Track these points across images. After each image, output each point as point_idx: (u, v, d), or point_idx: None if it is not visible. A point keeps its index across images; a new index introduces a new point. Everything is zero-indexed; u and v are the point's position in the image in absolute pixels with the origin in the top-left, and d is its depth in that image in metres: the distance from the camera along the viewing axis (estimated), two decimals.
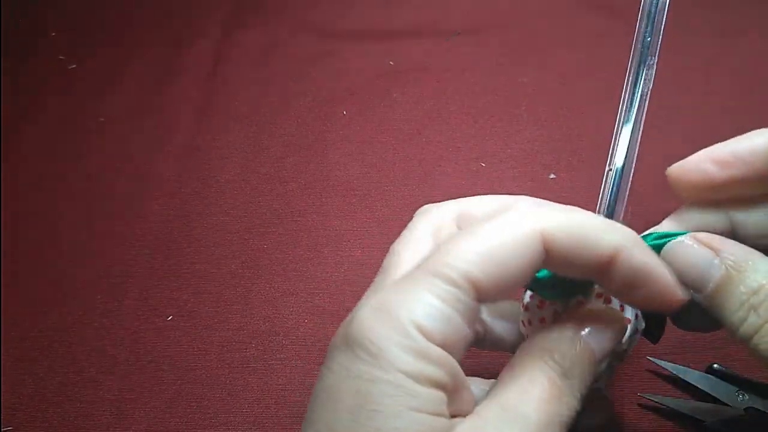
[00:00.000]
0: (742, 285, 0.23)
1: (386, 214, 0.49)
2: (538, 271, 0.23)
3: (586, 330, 0.24)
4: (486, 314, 0.29)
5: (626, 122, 0.27)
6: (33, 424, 0.40)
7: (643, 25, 0.27)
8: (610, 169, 0.27)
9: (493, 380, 0.25)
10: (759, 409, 0.35)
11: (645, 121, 0.27)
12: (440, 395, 0.21)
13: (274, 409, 0.40)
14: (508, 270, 0.22)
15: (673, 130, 0.50)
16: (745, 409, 0.35)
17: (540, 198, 0.29)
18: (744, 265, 0.23)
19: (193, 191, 0.52)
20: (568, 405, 0.22)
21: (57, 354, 0.43)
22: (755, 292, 0.22)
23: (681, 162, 0.26)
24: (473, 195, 0.29)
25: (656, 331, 0.28)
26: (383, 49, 0.61)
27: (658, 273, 0.23)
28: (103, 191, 0.53)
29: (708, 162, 0.26)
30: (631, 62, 0.27)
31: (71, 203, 0.52)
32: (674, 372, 0.37)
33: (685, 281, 0.24)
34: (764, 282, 0.22)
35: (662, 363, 0.37)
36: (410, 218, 0.29)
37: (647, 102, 0.27)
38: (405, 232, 0.28)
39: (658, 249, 0.25)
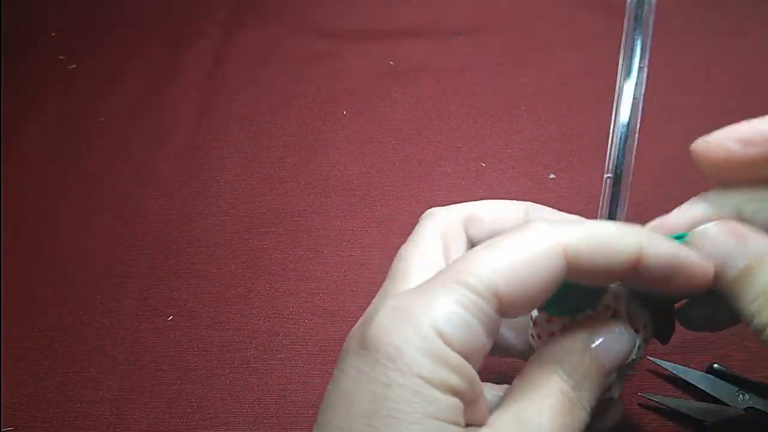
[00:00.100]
0: (762, 276, 0.22)
1: (386, 214, 0.49)
2: (558, 287, 0.23)
3: (596, 343, 0.24)
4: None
5: (623, 124, 0.27)
6: (33, 424, 0.40)
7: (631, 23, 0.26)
8: (609, 176, 0.27)
9: (504, 385, 0.25)
10: (759, 409, 0.35)
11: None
12: (458, 403, 0.21)
13: (274, 409, 0.40)
14: (532, 284, 0.22)
15: (673, 130, 0.50)
16: (745, 409, 0.35)
17: (540, 198, 0.29)
18: (767, 258, 0.23)
19: (193, 191, 0.52)
20: (579, 418, 0.23)
21: (57, 354, 0.43)
22: None
23: (705, 137, 0.26)
24: (473, 195, 0.29)
25: (666, 331, 0.28)
26: (383, 49, 0.61)
27: (686, 258, 0.23)
28: (103, 191, 0.53)
29: (731, 140, 0.25)
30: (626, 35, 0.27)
31: (71, 203, 0.52)
32: (674, 372, 0.37)
33: None
34: None
35: (662, 363, 0.37)
36: (410, 218, 0.29)
37: (643, 86, 0.27)
38: (412, 236, 0.28)
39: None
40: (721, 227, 0.24)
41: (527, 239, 0.22)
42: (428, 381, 0.20)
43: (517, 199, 0.29)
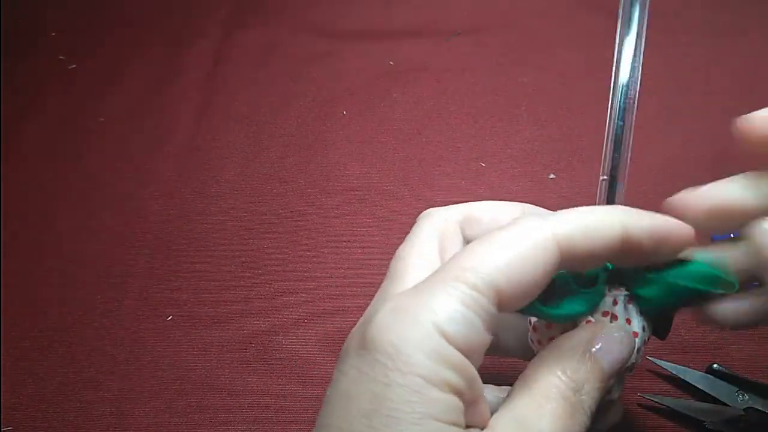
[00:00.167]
0: None
1: (386, 214, 0.49)
2: (552, 278, 0.23)
3: (596, 347, 0.24)
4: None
5: (618, 125, 0.27)
6: (33, 424, 0.40)
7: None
8: (604, 178, 0.27)
9: (505, 387, 0.25)
10: (759, 409, 0.35)
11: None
12: (458, 403, 0.21)
13: (274, 409, 0.40)
14: (528, 277, 0.22)
15: (673, 130, 0.50)
16: (745, 409, 0.35)
17: (540, 198, 0.29)
18: None
19: (193, 191, 0.52)
20: (579, 422, 0.23)
21: (57, 354, 0.43)
22: None
23: (748, 115, 0.25)
24: (473, 195, 0.29)
25: (664, 328, 0.28)
26: (383, 49, 0.61)
27: (668, 224, 0.24)
28: (103, 191, 0.53)
29: None
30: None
31: (71, 203, 0.52)
32: (674, 372, 0.37)
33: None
34: None
35: (662, 363, 0.37)
36: (410, 218, 0.29)
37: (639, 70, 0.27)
38: (409, 237, 0.28)
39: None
40: None
41: (520, 233, 0.22)
42: (428, 380, 0.20)
43: (517, 200, 0.29)
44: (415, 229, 0.28)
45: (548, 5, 0.63)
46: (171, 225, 0.50)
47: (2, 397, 0.41)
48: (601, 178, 0.27)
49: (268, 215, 0.50)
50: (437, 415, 0.20)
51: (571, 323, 0.26)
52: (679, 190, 0.26)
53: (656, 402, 0.36)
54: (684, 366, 0.37)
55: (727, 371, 0.36)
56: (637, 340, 0.26)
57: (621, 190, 0.27)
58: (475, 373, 0.22)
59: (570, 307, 0.25)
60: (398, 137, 0.54)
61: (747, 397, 0.35)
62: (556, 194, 0.48)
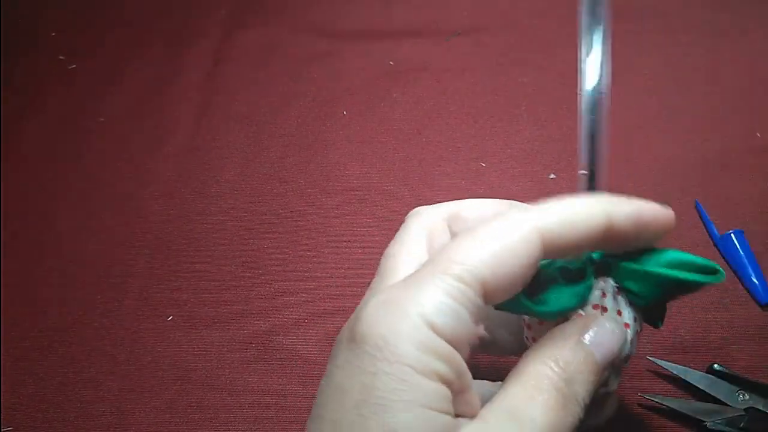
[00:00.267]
0: None
1: (386, 214, 0.49)
2: (539, 272, 0.23)
3: (587, 338, 0.24)
4: (492, 322, 0.30)
5: (589, 118, 0.26)
6: (33, 424, 0.40)
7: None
8: (584, 173, 0.27)
9: (499, 382, 0.25)
10: (759, 409, 0.35)
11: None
12: (445, 391, 0.21)
13: (274, 409, 0.40)
14: (513, 269, 0.22)
15: (673, 130, 0.50)
16: (745, 409, 0.35)
17: (540, 198, 0.29)
18: None
19: (193, 191, 0.52)
20: (572, 412, 0.23)
21: (57, 354, 0.43)
22: None
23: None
24: (473, 195, 0.29)
25: (658, 316, 0.28)
26: (383, 49, 0.61)
27: (649, 210, 0.25)
28: (103, 191, 0.53)
29: None
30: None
31: (71, 203, 0.52)
32: (675, 372, 0.37)
33: None
34: None
35: (663, 363, 0.37)
36: None
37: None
38: (398, 235, 0.28)
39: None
40: None
41: (503, 226, 0.23)
42: (416, 369, 0.21)
43: (517, 200, 0.29)
44: (404, 227, 0.28)
45: (548, 5, 0.63)
46: (171, 225, 0.50)
47: (2, 397, 0.41)
48: (580, 172, 0.27)
49: (268, 215, 0.49)
50: (425, 403, 0.20)
51: (563, 318, 0.26)
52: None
53: (657, 402, 0.36)
54: (684, 366, 0.37)
55: (727, 371, 0.36)
56: (629, 331, 0.26)
57: (602, 182, 0.27)
58: (464, 363, 0.22)
59: (560, 302, 0.25)
60: (398, 137, 0.54)
61: (747, 397, 0.35)
62: (556, 194, 0.48)
